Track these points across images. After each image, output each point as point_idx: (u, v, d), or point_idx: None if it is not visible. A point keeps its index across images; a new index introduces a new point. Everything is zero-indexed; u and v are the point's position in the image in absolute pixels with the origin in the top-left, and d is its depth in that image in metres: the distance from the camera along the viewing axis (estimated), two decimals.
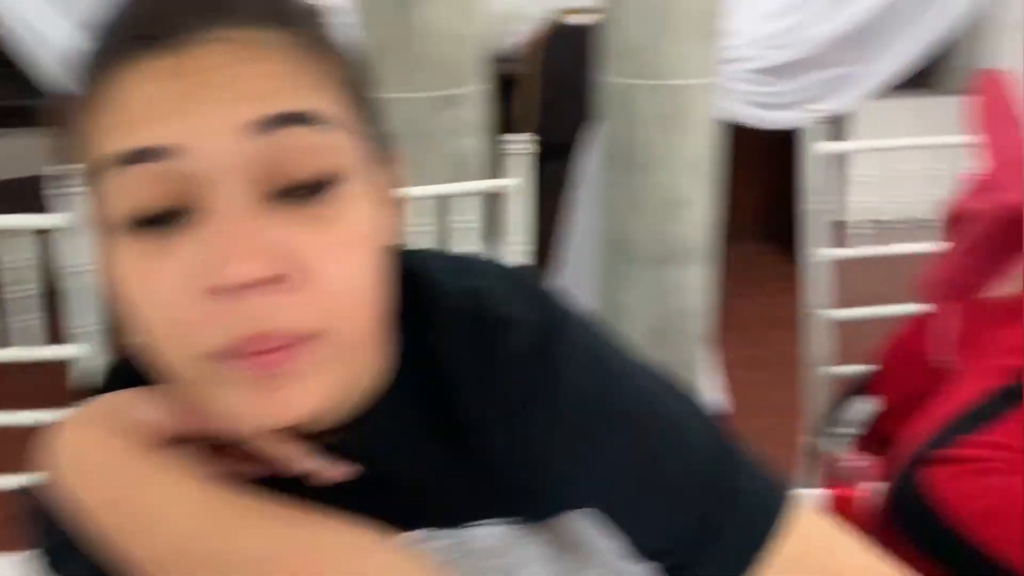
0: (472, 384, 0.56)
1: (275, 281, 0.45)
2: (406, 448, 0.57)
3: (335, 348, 0.47)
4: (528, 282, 0.60)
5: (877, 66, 2.37)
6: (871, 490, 0.73)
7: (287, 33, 0.48)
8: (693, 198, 1.86)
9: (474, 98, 1.69)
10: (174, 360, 0.47)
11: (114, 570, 0.50)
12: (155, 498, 0.49)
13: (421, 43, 1.62)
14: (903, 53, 2.37)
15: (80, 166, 0.48)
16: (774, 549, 0.55)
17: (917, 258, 1.25)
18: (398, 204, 0.55)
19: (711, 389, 2.25)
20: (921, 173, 1.40)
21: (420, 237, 1.19)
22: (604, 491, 0.56)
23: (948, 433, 0.72)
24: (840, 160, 1.44)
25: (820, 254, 1.38)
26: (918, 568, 0.58)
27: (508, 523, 0.58)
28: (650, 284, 1.94)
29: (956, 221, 1.03)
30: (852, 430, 1.12)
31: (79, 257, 1.15)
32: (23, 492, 0.54)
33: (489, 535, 0.58)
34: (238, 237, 0.44)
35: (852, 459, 0.74)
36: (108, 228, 0.47)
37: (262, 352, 0.45)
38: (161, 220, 0.45)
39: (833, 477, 0.74)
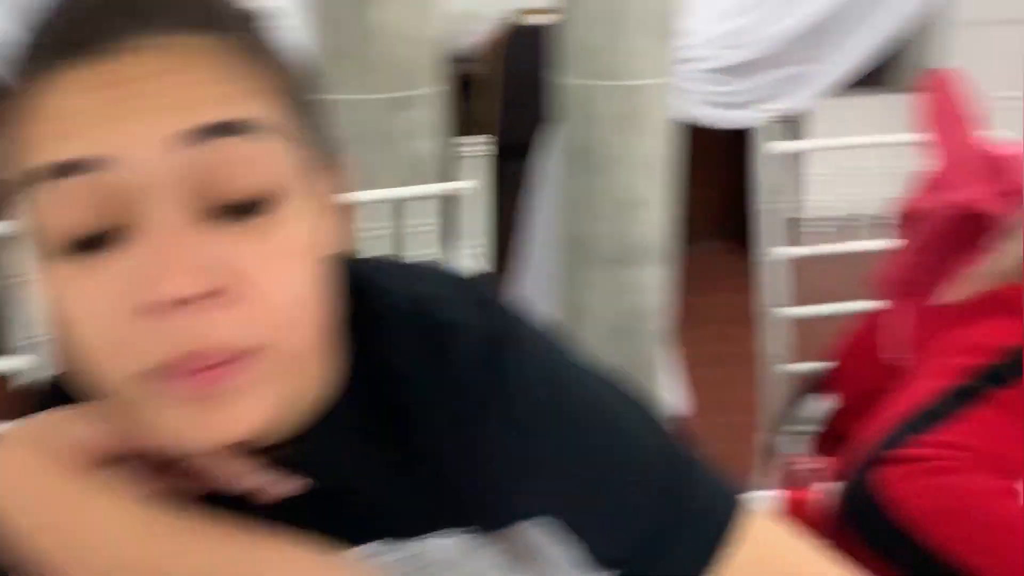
0: (422, 394, 0.55)
1: (211, 296, 0.43)
2: (356, 460, 0.55)
3: (277, 363, 0.46)
4: (478, 289, 0.59)
5: (831, 65, 2.39)
6: (825, 492, 0.73)
7: (221, 39, 0.46)
8: (650, 198, 1.87)
9: (430, 100, 1.68)
10: (110, 380, 0.45)
11: None
12: (92, 520, 0.47)
13: (376, 45, 1.61)
14: (857, 51, 2.40)
15: (10, 176, 0.47)
16: (727, 556, 0.54)
17: (875, 255, 1.26)
18: (342, 211, 0.54)
19: (672, 387, 2.26)
20: (877, 170, 1.41)
21: (375, 241, 1.17)
22: (557, 500, 0.55)
23: (901, 433, 0.72)
24: (795, 159, 1.45)
25: (775, 253, 1.38)
26: (872, 570, 0.58)
27: (462, 534, 0.57)
28: (609, 284, 1.94)
29: (908, 219, 1.04)
30: (809, 428, 1.13)
31: (21, 267, 1.11)
32: None
33: (443, 547, 0.57)
34: (171, 252, 0.43)
35: (806, 461, 0.74)
36: (41, 245, 0.46)
37: (200, 370, 0.44)
38: (94, 241, 0.44)
39: (787, 479, 0.74)
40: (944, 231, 0.95)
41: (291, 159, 0.47)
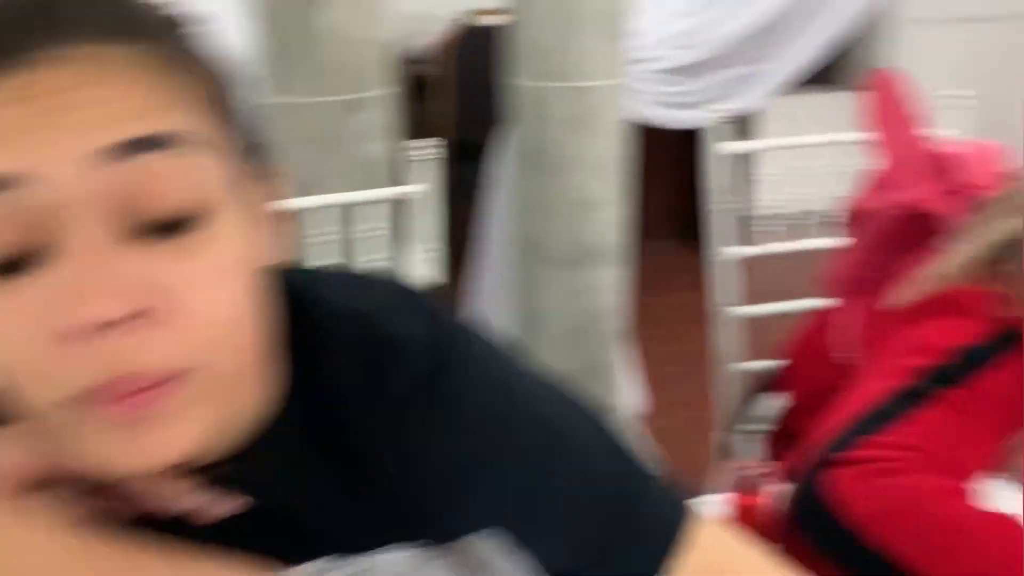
0: (365, 409, 0.54)
1: (137, 318, 0.42)
2: (298, 477, 0.54)
3: (209, 384, 0.45)
4: (423, 299, 0.58)
5: (781, 64, 2.42)
6: (775, 495, 0.73)
7: (143, 48, 0.44)
8: (604, 199, 1.87)
9: (381, 102, 1.66)
10: (35, 405, 0.43)
11: None
12: (18, 548, 0.45)
13: (324, 47, 1.59)
14: (806, 50, 2.42)
15: None
16: (677, 564, 0.54)
17: (827, 253, 1.27)
18: (278, 220, 0.52)
19: (630, 387, 2.27)
20: (829, 169, 1.42)
21: (324, 247, 1.16)
22: (507, 512, 0.55)
23: (850, 434, 0.72)
24: (745, 158, 1.46)
25: (726, 252, 1.39)
26: (823, 574, 0.58)
27: (411, 549, 0.56)
28: (565, 286, 1.94)
29: (857, 218, 1.05)
30: (762, 426, 1.14)
31: None
32: None
33: (392, 562, 0.56)
34: (94, 274, 0.41)
35: (755, 465, 0.74)
36: None
37: (128, 394, 0.42)
38: (14, 263, 0.42)
39: (737, 483, 0.74)
40: (891, 231, 0.96)
41: (220, 171, 0.46)
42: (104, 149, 0.42)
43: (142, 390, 0.42)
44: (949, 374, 0.75)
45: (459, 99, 2.98)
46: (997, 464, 0.76)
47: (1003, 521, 0.67)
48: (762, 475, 0.73)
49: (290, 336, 0.53)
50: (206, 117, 0.46)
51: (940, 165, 0.95)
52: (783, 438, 1.07)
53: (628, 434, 0.58)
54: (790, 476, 0.74)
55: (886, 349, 0.82)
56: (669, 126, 2.34)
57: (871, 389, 0.77)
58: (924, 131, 1.00)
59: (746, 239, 1.43)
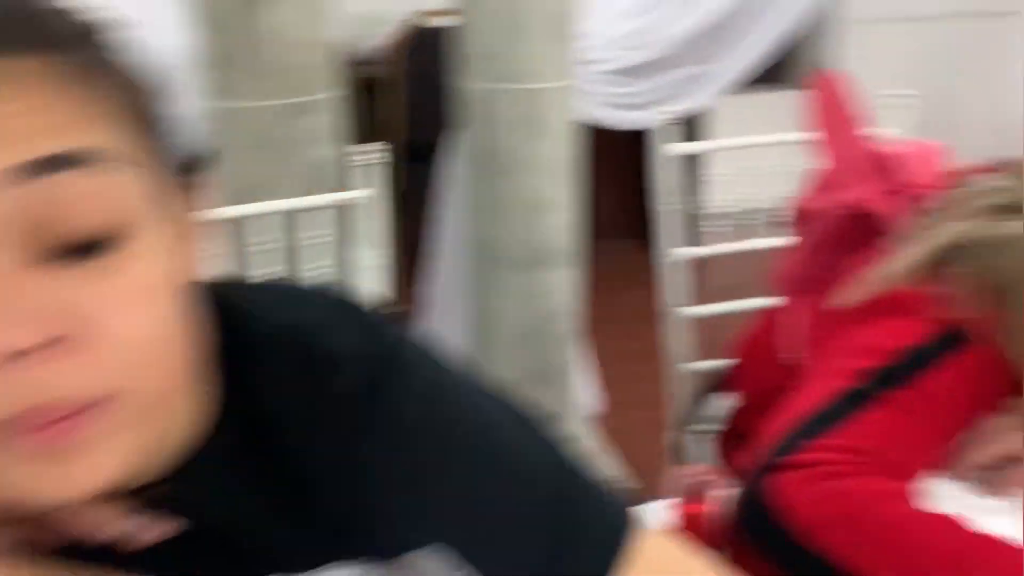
0: (300, 426, 0.52)
1: (52, 345, 0.40)
2: (234, 497, 0.53)
3: (133, 409, 0.43)
4: (360, 311, 0.56)
5: (729, 63, 2.43)
6: (721, 502, 0.73)
7: (56, 59, 0.42)
8: (556, 200, 1.87)
9: (328, 105, 1.63)
10: None
11: None
12: None
13: (268, 50, 1.56)
14: (753, 50, 2.44)
15: None
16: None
17: (777, 252, 1.27)
18: (206, 233, 0.51)
19: (585, 387, 2.27)
20: (779, 167, 1.43)
21: (268, 255, 1.14)
22: (448, 527, 0.54)
23: (794, 438, 0.72)
24: (694, 159, 1.47)
25: (675, 253, 1.39)
26: None
27: (354, 566, 0.55)
28: (519, 288, 1.93)
29: (803, 218, 1.05)
30: (713, 426, 1.14)
31: None
32: None
33: None
34: (4, 301, 0.39)
35: (701, 472, 0.74)
36: None
37: (46, 424, 0.40)
38: None
39: (683, 491, 0.74)
40: (836, 230, 0.97)
41: (141, 187, 0.44)
42: (14, 169, 0.39)
43: (60, 420, 0.40)
44: (894, 375, 0.75)
45: (410, 101, 2.96)
46: (943, 464, 0.77)
47: (946, 522, 0.67)
48: (708, 481, 0.73)
49: (222, 353, 0.52)
50: (126, 131, 0.44)
51: (882, 165, 0.96)
52: (733, 438, 1.07)
53: (572, 442, 0.57)
54: (739, 478, 0.74)
55: (831, 350, 0.83)
56: (619, 127, 2.34)
57: (816, 391, 0.77)
58: (866, 130, 1.01)
59: (696, 239, 1.44)
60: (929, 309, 0.77)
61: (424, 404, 0.53)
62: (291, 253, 1.15)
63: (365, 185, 1.18)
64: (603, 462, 2.14)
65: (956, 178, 0.90)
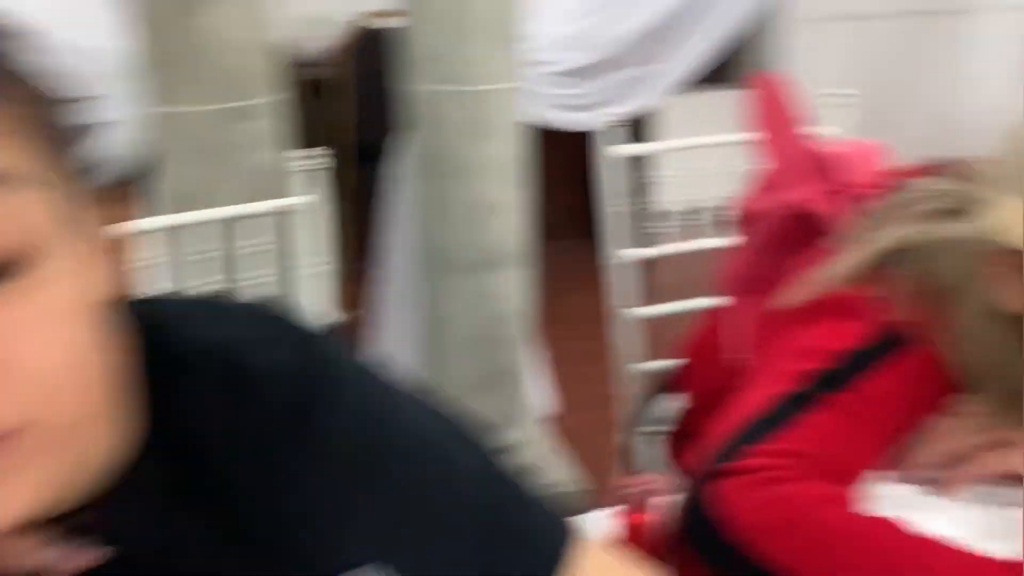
0: (228, 447, 0.51)
1: None
2: (162, 521, 0.51)
3: (47, 438, 0.41)
4: (288, 326, 0.55)
5: (675, 63, 2.44)
6: (664, 510, 0.72)
7: None
8: (504, 202, 1.86)
9: (269, 109, 1.61)
10: None
11: None
12: None
13: (206, 53, 1.53)
14: (699, 49, 2.45)
15: None
16: None
17: (725, 252, 1.27)
18: (126, 247, 0.49)
19: (539, 389, 2.26)
20: (727, 167, 1.43)
21: (206, 264, 1.11)
22: (385, 546, 0.52)
23: (736, 443, 0.72)
24: (640, 160, 1.47)
25: (622, 254, 1.39)
26: None
27: None
28: (469, 292, 1.92)
29: (748, 218, 1.05)
30: (662, 427, 1.14)
31: None
32: None
33: None
34: None
35: (642, 481, 0.73)
36: None
37: None
38: None
39: (626, 500, 0.73)
40: (780, 231, 0.97)
41: (48, 207, 0.41)
42: None
43: None
44: (835, 378, 0.75)
45: (359, 103, 2.93)
46: (888, 465, 0.77)
47: (885, 526, 0.67)
48: (652, 489, 0.72)
49: (147, 374, 0.50)
50: (33, 148, 0.41)
51: (823, 165, 0.96)
52: (682, 439, 1.07)
53: (511, 454, 0.56)
54: (688, 481, 0.73)
55: (775, 351, 0.82)
56: (566, 128, 2.34)
57: (758, 394, 0.76)
58: (808, 130, 1.01)
59: (644, 239, 1.44)
60: (871, 311, 0.77)
61: (356, 421, 0.52)
62: (230, 262, 1.12)
63: (310, 190, 1.16)
64: (557, 464, 2.14)
65: (897, 178, 0.91)
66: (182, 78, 1.55)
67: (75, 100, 0.47)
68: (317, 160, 1.18)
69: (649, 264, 1.46)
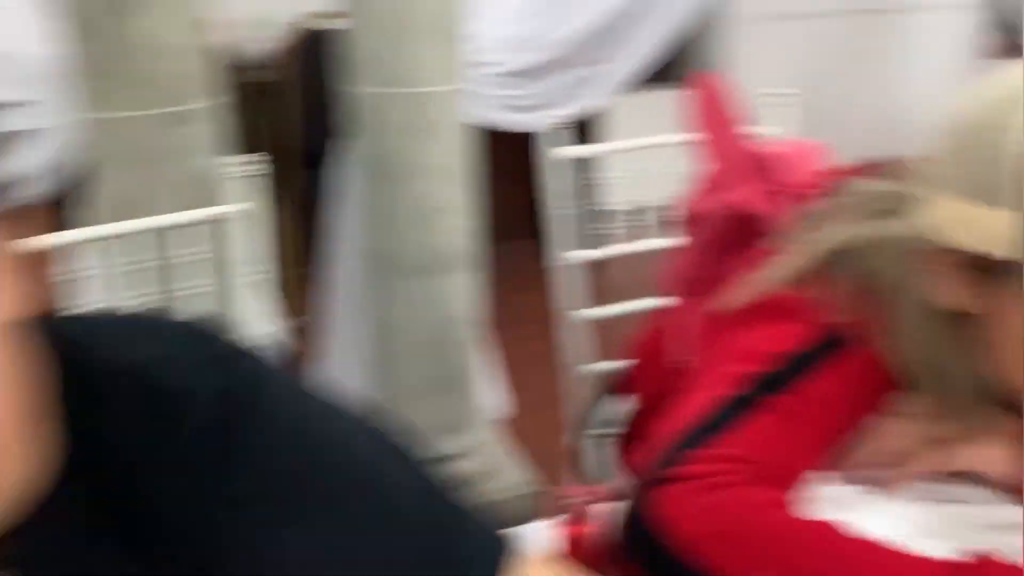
0: (151, 470, 0.49)
1: None
2: (85, 549, 0.49)
3: None
4: (211, 343, 0.53)
5: (621, 63, 2.45)
6: (604, 521, 0.71)
7: None
8: (451, 205, 1.84)
9: (207, 114, 1.57)
10: None
11: None
12: None
13: (140, 57, 1.49)
14: (644, 49, 2.46)
15: None
16: None
17: (670, 252, 1.27)
18: (41, 264, 0.46)
19: (491, 392, 2.25)
20: (678, 167, 1.43)
21: (140, 275, 1.08)
22: (314, 567, 0.51)
23: (677, 449, 0.71)
24: (587, 161, 1.46)
25: (567, 256, 1.39)
26: None
27: None
28: (417, 295, 1.90)
29: (692, 219, 1.05)
30: (611, 429, 1.13)
31: None
32: None
33: None
34: None
35: (580, 491, 0.72)
36: None
37: None
38: None
39: (566, 511, 0.72)
40: (722, 232, 0.96)
41: None
42: None
43: None
44: (776, 380, 0.74)
45: (304, 106, 2.89)
46: (830, 466, 0.77)
47: (825, 529, 0.67)
48: (592, 499, 0.71)
49: (65, 396, 0.47)
50: None
51: (763, 165, 0.96)
52: (631, 442, 1.06)
53: (446, 469, 0.55)
54: (628, 490, 0.72)
55: (717, 354, 0.82)
56: (513, 129, 2.33)
57: (700, 398, 0.76)
58: (748, 131, 1.01)
59: (592, 240, 1.43)
60: (811, 313, 0.77)
61: (284, 443, 0.50)
62: (164, 273, 1.09)
63: (248, 197, 1.13)
64: (510, 467, 2.13)
65: (836, 178, 0.91)
66: (116, 83, 1.51)
67: None
68: (255, 166, 1.15)
69: (597, 265, 1.45)
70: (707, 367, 0.82)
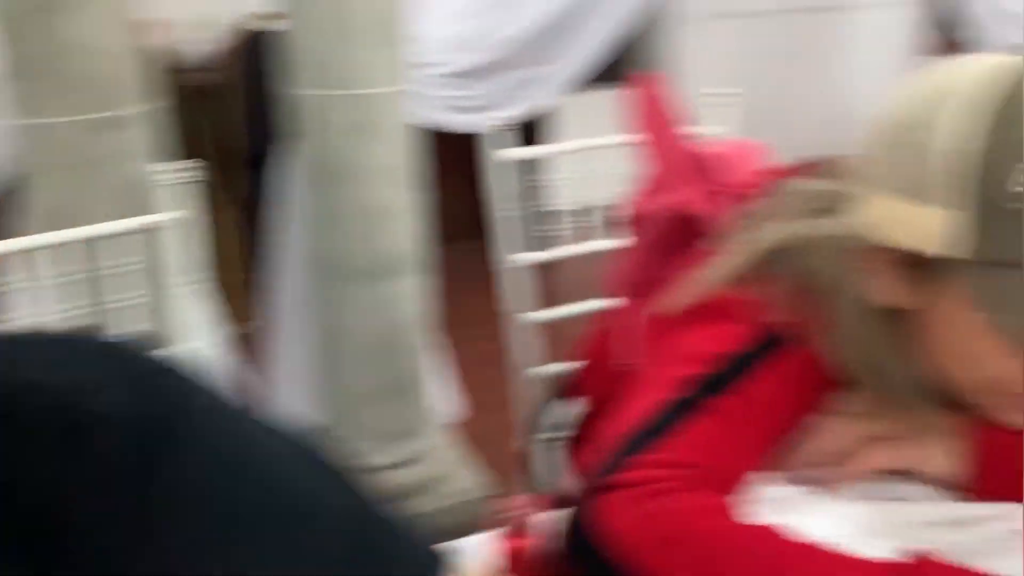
0: (67, 499, 0.46)
1: None
2: None
3: None
4: (130, 362, 0.50)
5: (566, 63, 2.44)
6: (545, 533, 0.70)
7: None
8: (396, 207, 1.82)
9: (143, 119, 1.53)
10: None
11: None
12: None
13: (72, 60, 1.44)
14: (589, 49, 2.46)
15: None
16: None
17: (616, 254, 1.26)
18: None
19: (443, 395, 2.23)
20: (624, 167, 1.42)
21: (70, 287, 1.04)
22: None
23: (620, 455, 0.70)
24: (532, 162, 1.45)
25: (514, 259, 1.38)
26: None
27: None
28: (365, 300, 1.88)
29: (635, 220, 1.05)
30: (560, 433, 1.12)
31: None
32: None
33: None
34: None
35: (520, 503, 0.71)
36: None
37: None
38: None
39: (506, 523, 0.71)
40: (665, 233, 0.96)
41: None
42: None
43: None
44: (717, 382, 0.74)
45: (247, 109, 2.84)
46: (772, 466, 0.77)
47: (766, 533, 0.66)
48: (533, 511, 0.70)
49: None
50: None
51: (703, 166, 0.95)
52: (580, 444, 1.05)
53: (377, 488, 0.53)
54: (569, 499, 0.71)
55: (659, 356, 0.81)
56: (457, 130, 2.32)
57: (642, 402, 0.75)
58: (687, 131, 1.01)
59: (540, 242, 1.42)
60: (750, 313, 0.77)
61: (206, 466, 0.48)
62: (94, 284, 1.05)
63: (187, 203, 1.10)
64: (463, 471, 2.11)
65: (777, 177, 0.91)
66: (47, 86, 1.46)
67: None
68: (192, 172, 1.12)
69: (544, 266, 1.44)
70: (650, 369, 0.82)
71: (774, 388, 0.75)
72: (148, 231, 1.05)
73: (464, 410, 2.33)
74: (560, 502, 0.71)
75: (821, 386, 0.77)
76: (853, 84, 3.89)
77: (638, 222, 1.04)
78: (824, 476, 0.77)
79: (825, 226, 0.77)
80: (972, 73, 0.68)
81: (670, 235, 0.95)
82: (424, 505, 1.96)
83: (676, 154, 0.98)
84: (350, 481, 0.53)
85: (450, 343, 2.29)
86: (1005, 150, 0.64)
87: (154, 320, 1.03)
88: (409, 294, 1.93)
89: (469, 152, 2.88)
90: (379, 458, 1.95)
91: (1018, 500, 0.73)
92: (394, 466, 1.95)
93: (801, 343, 0.76)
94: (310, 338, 2.00)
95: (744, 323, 0.76)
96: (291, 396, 2.07)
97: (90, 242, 1.03)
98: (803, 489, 0.76)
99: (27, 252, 1.00)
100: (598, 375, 1.08)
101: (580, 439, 1.08)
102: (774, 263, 0.78)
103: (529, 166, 1.44)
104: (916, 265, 0.70)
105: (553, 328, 1.43)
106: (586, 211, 1.53)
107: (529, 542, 0.69)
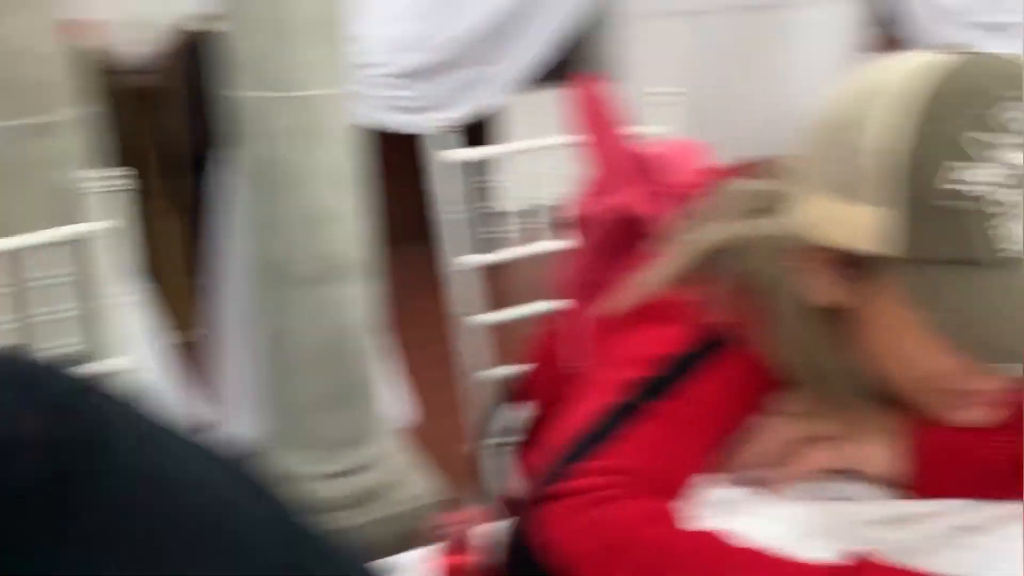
0: None
1: None
2: None
3: None
4: (42, 386, 0.48)
5: (512, 63, 2.43)
6: (485, 547, 0.69)
7: None
8: (341, 210, 1.79)
9: (74, 125, 1.48)
10: None
11: None
12: None
13: None
14: (534, 48, 2.45)
15: None
16: None
17: (563, 255, 1.25)
18: None
19: (394, 400, 2.21)
20: (571, 167, 1.41)
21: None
22: None
23: (562, 463, 0.69)
24: (480, 163, 1.43)
25: (460, 262, 1.36)
26: None
27: None
28: (311, 304, 1.85)
29: (579, 221, 1.04)
30: (509, 437, 1.11)
31: None
32: None
33: None
34: None
35: (459, 518, 0.70)
36: None
37: None
38: None
39: (445, 539, 0.69)
40: (609, 235, 0.95)
41: None
42: None
43: None
44: (659, 385, 0.73)
45: (188, 112, 2.78)
46: (715, 467, 0.76)
47: (707, 540, 0.66)
48: (473, 525, 0.69)
49: None
50: None
51: (645, 166, 0.95)
52: (530, 448, 1.04)
53: (308, 506, 0.52)
54: (510, 511, 0.70)
55: (602, 360, 0.81)
56: (402, 131, 2.29)
57: (586, 407, 0.74)
58: (629, 131, 1.00)
59: (486, 244, 1.41)
60: (692, 314, 0.76)
61: (126, 491, 0.46)
62: (20, 298, 1.01)
63: (119, 211, 1.07)
64: (414, 477, 2.09)
65: (717, 177, 0.91)
66: None
67: None
68: (125, 179, 1.09)
69: (492, 268, 1.43)
70: (594, 372, 0.81)
71: (716, 389, 0.75)
72: (78, 241, 1.01)
73: (415, 414, 2.31)
74: (508, 509, 0.70)
75: (763, 387, 0.77)
76: (796, 82, 3.93)
77: (583, 223, 1.03)
78: (767, 477, 0.77)
79: (763, 226, 0.76)
80: (901, 71, 0.68)
81: (615, 236, 0.95)
82: (375, 512, 1.94)
83: (618, 155, 0.97)
84: (282, 501, 0.51)
85: (399, 347, 2.26)
86: (934, 148, 0.65)
87: (85, 333, 1.00)
88: (356, 299, 1.90)
89: (413, 153, 2.86)
90: (329, 466, 1.92)
91: (958, 497, 0.74)
92: (344, 473, 1.93)
93: (743, 344, 0.75)
94: (256, 345, 1.96)
95: (686, 324, 0.76)
96: (237, 404, 2.03)
97: (14, 253, 0.99)
98: (747, 490, 0.76)
99: None
100: (547, 378, 1.07)
101: (530, 443, 1.07)
102: (714, 263, 0.78)
103: (475, 167, 1.42)
104: (852, 264, 0.70)
105: (502, 330, 1.42)
106: (533, 212, 1.52)
107: (469, 557, 0.68)
